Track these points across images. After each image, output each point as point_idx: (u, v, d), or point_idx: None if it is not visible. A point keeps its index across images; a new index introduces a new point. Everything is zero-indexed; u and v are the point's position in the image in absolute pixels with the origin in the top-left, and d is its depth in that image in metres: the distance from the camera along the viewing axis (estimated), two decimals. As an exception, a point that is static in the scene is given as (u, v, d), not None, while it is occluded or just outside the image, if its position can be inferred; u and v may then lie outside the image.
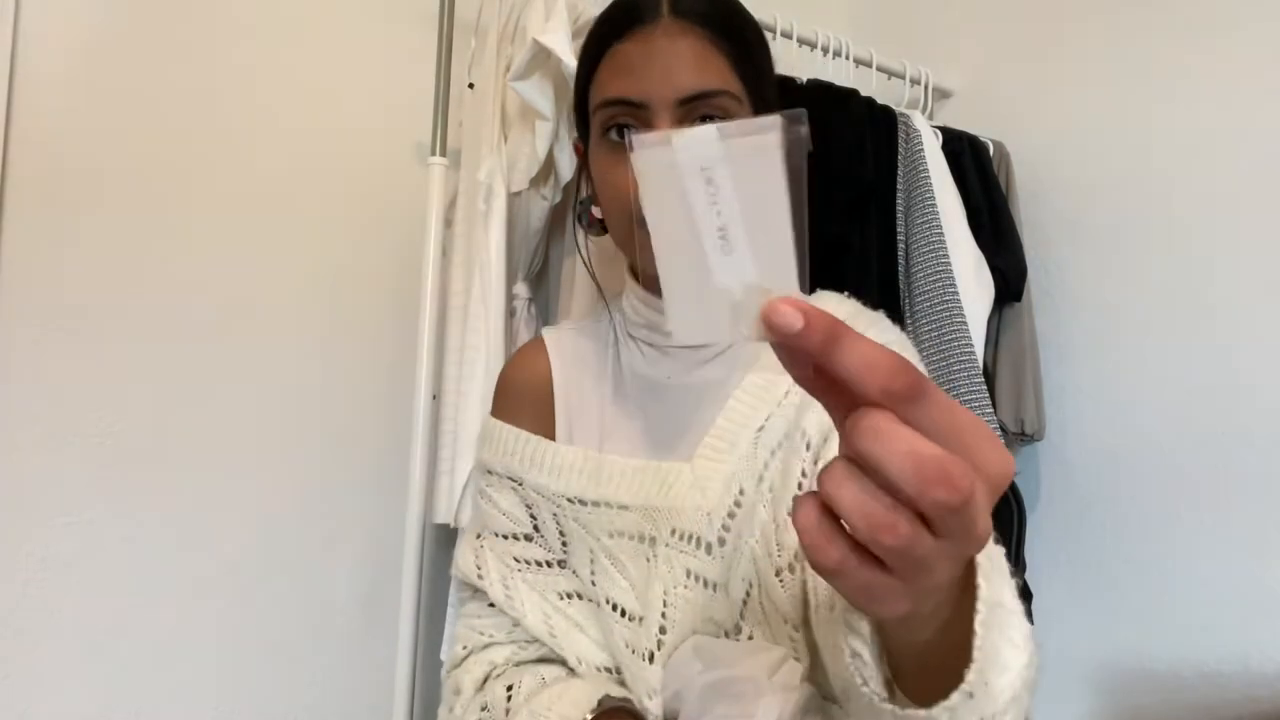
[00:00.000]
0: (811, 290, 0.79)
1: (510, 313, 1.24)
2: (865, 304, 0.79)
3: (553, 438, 0.77)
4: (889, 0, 1.89)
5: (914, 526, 0.31)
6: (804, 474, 0.66)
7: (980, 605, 0.38)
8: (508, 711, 0.69)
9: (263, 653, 1.28)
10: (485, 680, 0.74)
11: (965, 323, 1.34)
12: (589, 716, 0.65)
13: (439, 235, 1.23)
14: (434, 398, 1.22)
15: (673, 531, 0.69)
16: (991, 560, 0.40)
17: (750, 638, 0.67)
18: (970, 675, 0.38)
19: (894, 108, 1.45)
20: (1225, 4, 1.36)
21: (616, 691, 0.69)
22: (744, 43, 0.70)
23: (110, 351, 1.17)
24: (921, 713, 0.40)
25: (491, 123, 1.21)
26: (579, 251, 0.94)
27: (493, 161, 1.19)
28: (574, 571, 0.76)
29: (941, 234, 1.37)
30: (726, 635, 0.68)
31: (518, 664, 0.76)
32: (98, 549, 1.16)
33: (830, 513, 0.33)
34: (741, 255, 0.33)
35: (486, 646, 0.77)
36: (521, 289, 1.27)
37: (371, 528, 1.36)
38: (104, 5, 1.18)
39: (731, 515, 0.68)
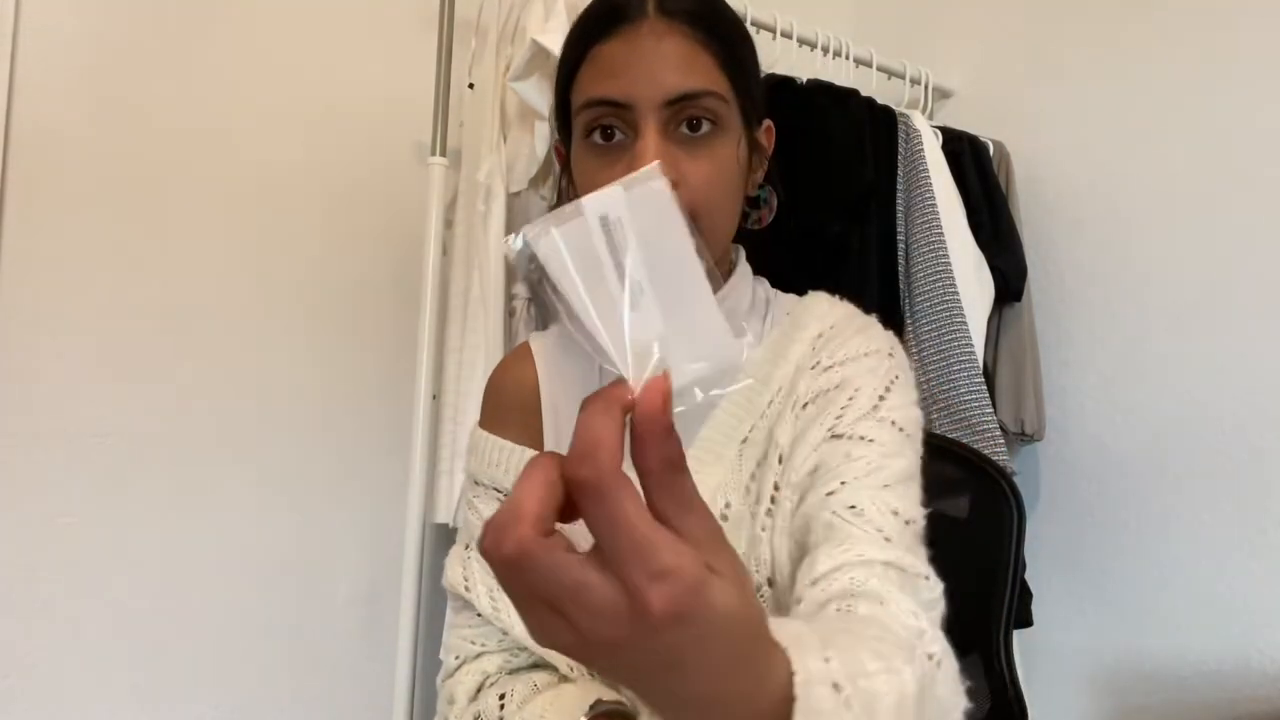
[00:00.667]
0: (804, 291, 0.79)
1: (510, 313, 1.24)
2: (863, 305, 0.78)
3: (540, 446, 0.76)
4: (889, 0, 1.89)
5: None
6: (776, 486, 0.65)
7: None
8: None
9: (263, 653, 1.28)
10: (479, 690, 0.74)
11: (965, 323, 1.34)
12: None
13: (439, 235, 1.23)
14: (434, 398, 1.22)
15: None
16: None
17: None
18: None
19: (894, 108, 1.45)
20: (1225, 4, 1.35)
21: (609, 695, 0.68)
22: (730, 42, 0.68)
23: (110, 351, 1.18)
24: None
25: (491, 123, 1.21)
26: None
27: (492, 162, 1.20)
28: None
29: (941, 234, 1.37)
30: None
31: (510, 672, 0.75)
32: (98, 549, 1.16)
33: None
34: (649, 307, 0.34)
35: (478, 656, 0.76)
36: (521, 289, 1.26)
37: (371, 528, 1.36)
38: (104, 6, 1.18)
39: None
